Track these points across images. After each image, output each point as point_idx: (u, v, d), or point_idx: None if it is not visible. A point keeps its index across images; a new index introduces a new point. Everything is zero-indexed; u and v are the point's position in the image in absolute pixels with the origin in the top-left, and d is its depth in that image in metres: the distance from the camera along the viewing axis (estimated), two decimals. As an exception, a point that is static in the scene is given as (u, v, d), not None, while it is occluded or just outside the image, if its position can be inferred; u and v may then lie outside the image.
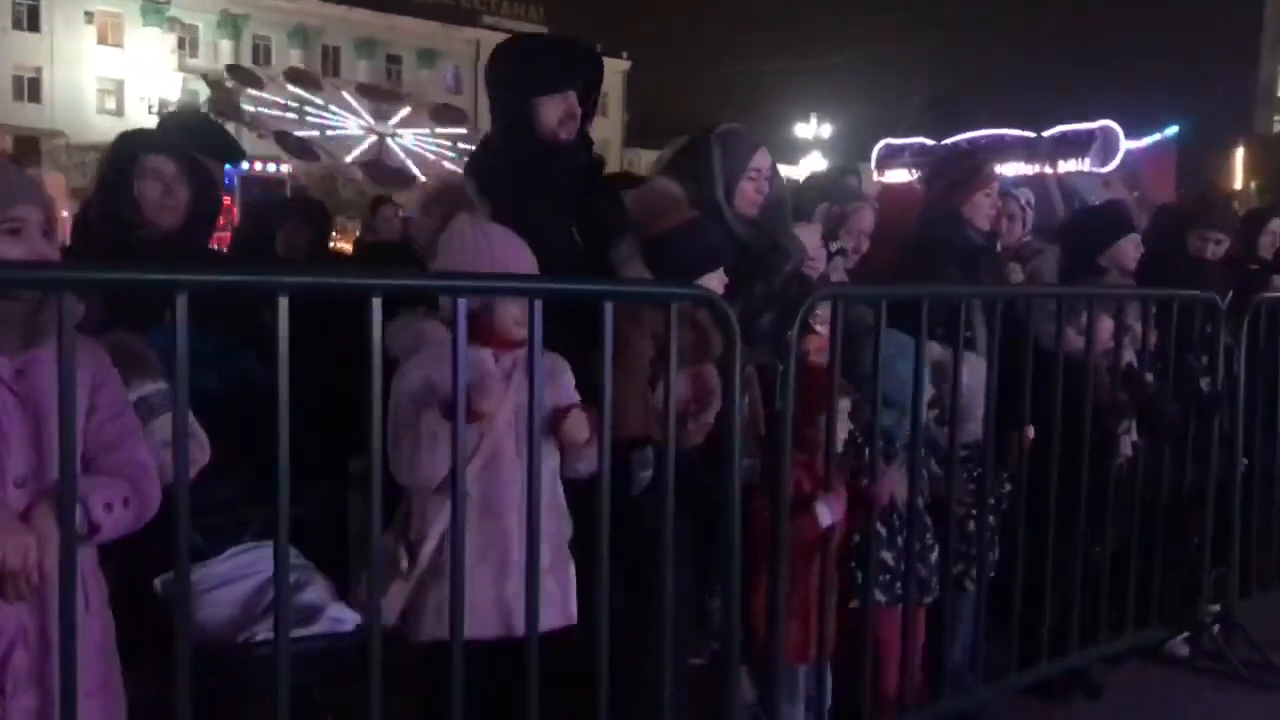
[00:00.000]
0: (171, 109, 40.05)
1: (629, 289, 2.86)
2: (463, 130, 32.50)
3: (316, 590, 2.57)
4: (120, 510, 2.04)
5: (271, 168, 24.16)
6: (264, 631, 2.42)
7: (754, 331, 3.24)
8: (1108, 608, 4.17)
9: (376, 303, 2.24)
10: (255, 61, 44.96)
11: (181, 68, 45.02)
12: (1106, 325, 4.11)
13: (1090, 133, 15.60)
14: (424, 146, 31.72)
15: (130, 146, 3.19)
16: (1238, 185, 42.20)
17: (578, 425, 2.76)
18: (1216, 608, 4.61)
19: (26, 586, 1.91)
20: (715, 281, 3.07)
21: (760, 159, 3.42)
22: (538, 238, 2.92)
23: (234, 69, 33.90)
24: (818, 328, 3.41)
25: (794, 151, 35.09)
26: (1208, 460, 4.49)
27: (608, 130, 51.40)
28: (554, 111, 3.11)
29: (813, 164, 31.54)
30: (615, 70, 55.95)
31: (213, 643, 2.40)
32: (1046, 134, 15.94)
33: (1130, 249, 4.84)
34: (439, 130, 31.86)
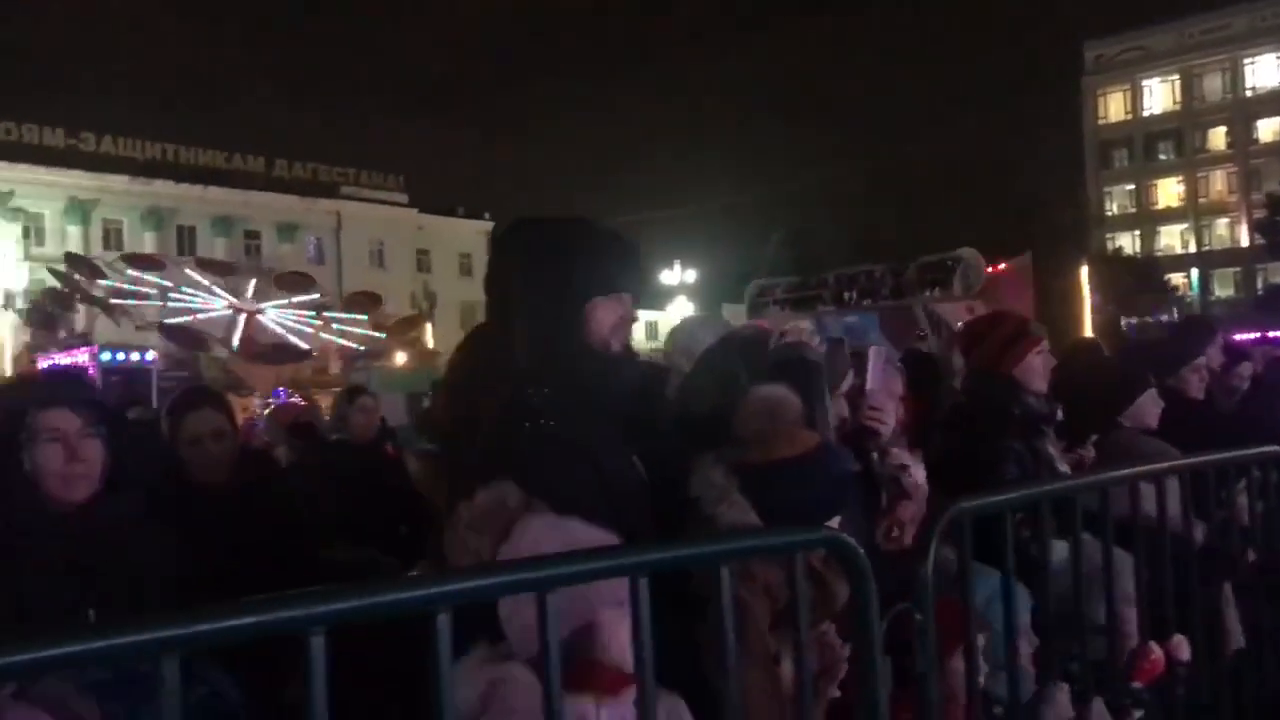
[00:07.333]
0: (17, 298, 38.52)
1: (749, 543, 2.20)
2: (316, 295, 32.15)
3: None
4: None
5: (135, 356, 22.81)
6: None
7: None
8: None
9: (444, 619, 1.59)
10: (106, 246, 43.59)
11: (28, 257, 43.37)
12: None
13: (952, 261, 15.72)
14: (289, 318, 31.05)
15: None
16: (1087, 300, 44.79)
17: None
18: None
19: None
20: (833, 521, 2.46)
21: None
22: (606, 480, 2.30)
23: (72, 258, 32.74)
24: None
25: (661, 298, 35.94)
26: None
27: (476, 292, 50.16)
28: (609, 316, 2.45)
29: (680, 309, 33.10)
30: (478, 232, 55.70)
31: None
32: (913, 265, 16.01)
33: (1150, 405, 4.32)
34: (295, 299, 31.33)
